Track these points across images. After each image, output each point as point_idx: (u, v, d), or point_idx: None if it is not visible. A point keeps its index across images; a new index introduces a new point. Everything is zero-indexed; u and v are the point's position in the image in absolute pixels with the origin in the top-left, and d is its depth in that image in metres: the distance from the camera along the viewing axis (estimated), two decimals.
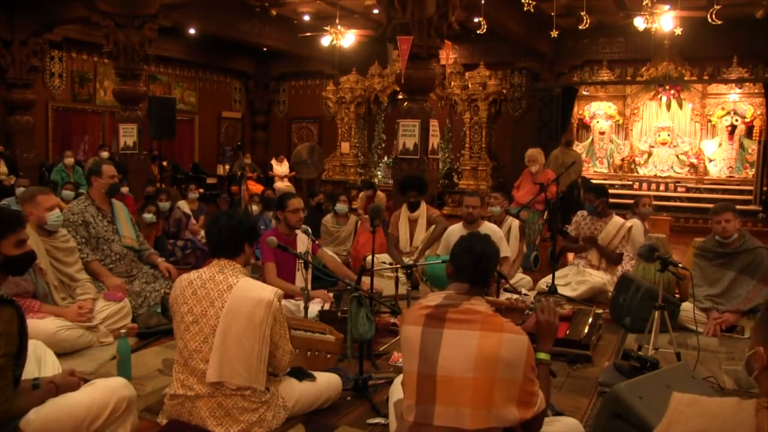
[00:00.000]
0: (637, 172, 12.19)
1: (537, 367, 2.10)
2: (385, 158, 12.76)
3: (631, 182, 11.91)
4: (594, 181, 9.98)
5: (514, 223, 5.73)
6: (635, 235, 5.88)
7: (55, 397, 2.24)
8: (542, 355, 2.26)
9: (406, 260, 5.46)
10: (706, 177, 11.59)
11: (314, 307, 4.04)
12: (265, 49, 13.93)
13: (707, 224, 10.55)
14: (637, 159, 12.27)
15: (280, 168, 13.30)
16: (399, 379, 2.47)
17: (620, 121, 12.39)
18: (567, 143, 9.30)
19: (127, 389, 2.39)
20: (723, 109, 11.60)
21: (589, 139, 12.65)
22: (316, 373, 2.95)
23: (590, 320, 4.10)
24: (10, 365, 2.06)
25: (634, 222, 5.90)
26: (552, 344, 2.34)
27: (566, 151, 8.94)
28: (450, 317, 2.07)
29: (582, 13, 8.53)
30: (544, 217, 7.18)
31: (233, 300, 2.52)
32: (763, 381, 1.43)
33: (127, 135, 9.31)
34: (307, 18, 11.91)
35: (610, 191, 10.73)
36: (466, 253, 2.21)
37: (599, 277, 5.50)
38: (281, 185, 12.33)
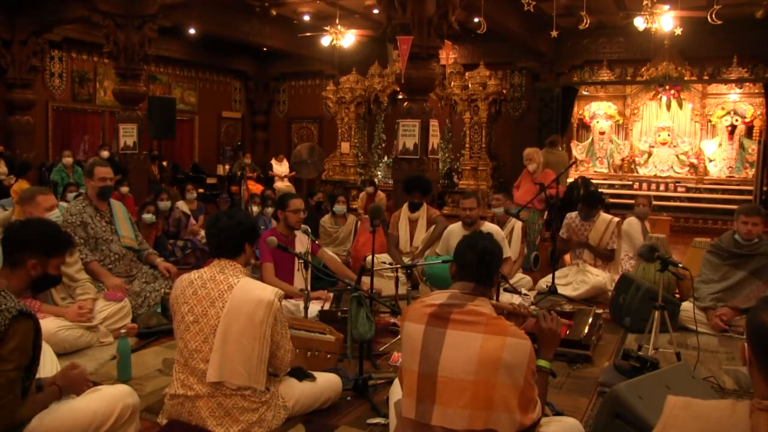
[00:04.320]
0: (637, 172, 12.19)
1: (536, 373, 2.10)
2: (385, 158, 12.76)
3: (631, 182, 11.90)
4: (593, 181, 9.99)
5: (517, 225, 5.73)
6: (632, 232, 5.89)
7: (60, 404, 2.23)
8: (542, 363, 2.25)
9: (406, 260, 5.46)
10: (706, 177, 11.59)
11: (314, 307, 4.04)
12: (265, 49, 13.92)
13: (707, 224, 10.60)
14: (637, 159, 12.26)
15: (280, 168, 13.30)
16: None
17: (620, 121, 12.39)
18: (551, 143, 9.27)
19: (131, 397, 2.38)
20: (723, 109, 11.60)
21: (589, 139, 12.65)
22: (316, 373, 2.94)
23: (590, 320, 4.09)
24: (19, 378, 2.05)
25: (631, 220, 5.91)
26: (554, 352, 2.33)
27: (550, 152, 8.92)
28: (454, 318, 2.06)
29: (582, 13, 8.52)
30: (544, 217, 7.18)
31: (234, 300, 2.52)
32: (754, 379, 1.43)
33: (127, 135, 9.31)
34: (307, 18, 11.90)
35: (610, 191, 10.90)
36: (469, 250, 2.20)
37: (600, 277, 5.50)
38: (281, 185, 12.33)
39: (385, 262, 5.61)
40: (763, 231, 4.47)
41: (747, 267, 4.42)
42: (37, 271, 2.28)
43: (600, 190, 8.93)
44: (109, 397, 2.32)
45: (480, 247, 2.19)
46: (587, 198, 5.96)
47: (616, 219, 5.79)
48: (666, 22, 9.21)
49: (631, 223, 5.95)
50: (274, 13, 11.61)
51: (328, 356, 3.43)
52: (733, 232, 4.50)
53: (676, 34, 9.61)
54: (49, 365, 2.70)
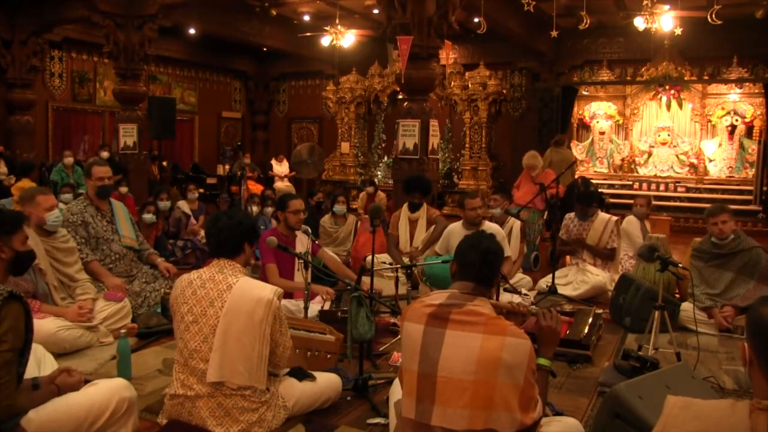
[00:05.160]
0: (637, 172, 12.19)
1: (537, 372, 2.09)
2: (385, 158, 12.76)
3: (631, 182, 11.91)
4: (594, 181, 9.99)
5: (516, 224, 5.73)
6: (631, 230, 5.89)
7: (57, 397, 2.25)
8: (543, 361, 2.24)
9: (406, 260, 5.46)
10: (706, 177, 11.59)
11: (314, 307, 4.04)
12: (265, 49, 13.92)
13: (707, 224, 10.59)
14: (637, 159, 12.27)
15: (280, 168, 13.30)
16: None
17: (620, 121, 12.39)
18: (557, 143, 9.29)
19: (127, 390, 2.39)
20: (723, 109, 11.60)
21: (589, 139, 12.65)
22: (316, 373, 2.95)
23: (590, 320, 4.10)
24: (15, 360, 2.08)
25: (630, 219, 5.91)
26: (554, 350, 2.33)
27: (556, 151, 8.93)
28: (453, 318, 2.06)
29: (582, 13, 8.52)
30: (544, 217, 7.18)
31: (233, 299, 2.52)
32: (753, 378, 1.43)
33: (127, 135, 9.31)
34: (307, 18, 11.90)
35: (610, 191, 10.90)
36: (471, 250, 2.19)
37: (600, 276, 5.50)
38: (281, 185, 12.33)
39: (385, 262, 5.61)
40: (736, 226, 4.52)
41: (732, 266, 4.45)
42: (7, 253, 2.36)
43: (600, 190, 8.94)
44: (106, 390, 2.34)
45: (483, 247, 2.18)
46: (581, 196, 5.96)
47: (615, 218, 5.79)
48: (666, 22, 9.20)
49: (630, 222, 5.96)
50: (274, 13, 11.60)
51: (328, 356, 3.43)
52: (710, 235, 4.55)
53: (676, 34, 9.61)
54: (50, 368, 2.70)
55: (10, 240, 2.38)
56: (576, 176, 9.98)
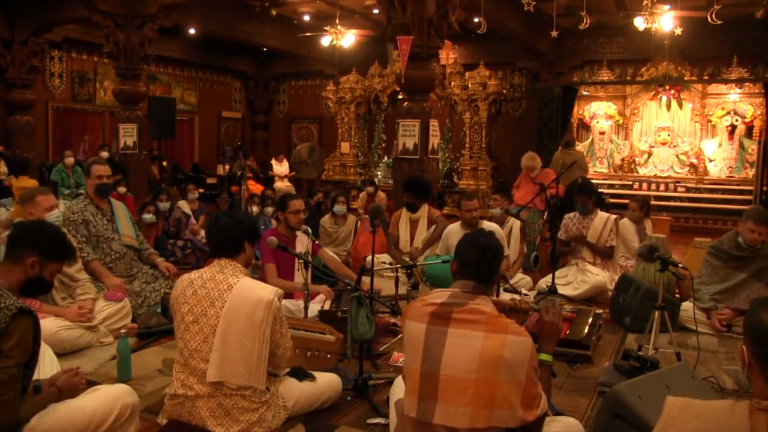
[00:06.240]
0: (637, 172, 12.19)
1: (539, 368, 2.10)
2: (385, 158, 12.77)
3: (631, 182, 11.90)
4: (594, 181, 9.99)
5: (516, 224, 5.74)
6: (624, 233, 5.89)
7: (59, 404, 2.22)
8: (544, 357, 2.25)
9: (407, 260, 5.46)
10: (706, 177, 11.59)
11: (314, 307, 4.04)
12: (265, 49, 13.93)
13: (707, 224, 10.60)
14: (637, 159, 12.27)
15: (280, 168, 13.30)
16: (400, 378, 2.47)
17: (620, 121, 12.39)
18: (566, 144, 9.32)
19: (130, 396, 2.38)
20: (723, 109, 11.60)
21: (589, 139, 12.65)
22: (316, 373, 2.95)
23: (590, 320, 4.10)
24: (20, 375, 2.06)
25: (624, 221, 5.91)
26: (555, 346, 2.34)
27: (567, 152, 8.96)
28: (455, 317, 2.06)
29: (582, 13, 8.52)
30: (545, 217, 7.18)
31: (233, 300, 2.52)
32: (753, 380, 1.43)
33: (127, 135, 9.31)
34: (307, 18, 11.90)
35: (610, 191, 10.90)
36: (470, 248, 2.19)
37: (600, 276, 5.50)
38: (281, 185, 12.33)
39: (385, 262, 5.61)
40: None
41: (748, 269, 4.39)
42: (35, 271, 2.30)
43: (600, 190, 8.94)
44: (109, 396, 2.33)
45: (482, 245, 2.19)
46: (582, 188, 5.96)
47: (614, 216, 5.80)
48: (666, 22, 9.20)
49: (624, 224, 5.94)
50: (274, 13, 11.60)
51: (328, 356, 3.43)
52: (736, 234, 4.43)
53: (676, 34, 9.60)
54: (49, 367, 2.70)
55: (46, 264, 2.32)
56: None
